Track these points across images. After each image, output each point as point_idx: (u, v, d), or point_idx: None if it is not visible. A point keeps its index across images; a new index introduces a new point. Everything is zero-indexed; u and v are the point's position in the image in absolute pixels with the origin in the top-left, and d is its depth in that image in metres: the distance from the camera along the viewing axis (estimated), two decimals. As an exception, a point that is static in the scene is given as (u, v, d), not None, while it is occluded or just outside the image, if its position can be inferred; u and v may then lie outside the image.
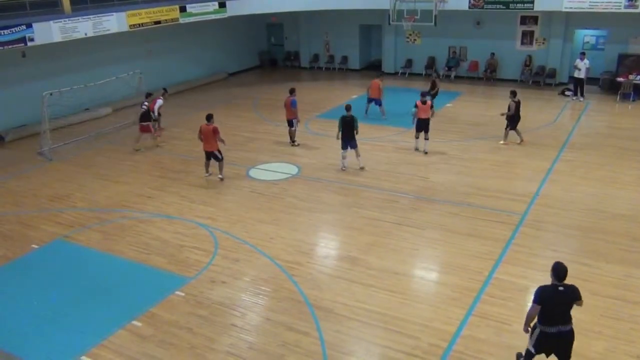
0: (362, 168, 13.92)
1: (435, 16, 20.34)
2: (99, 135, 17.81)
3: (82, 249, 10.56)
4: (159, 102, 16.82)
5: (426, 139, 14.93)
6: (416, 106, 14.84)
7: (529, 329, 6.42)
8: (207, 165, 13.50)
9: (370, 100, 18.34)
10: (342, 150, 13.85)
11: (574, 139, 15.80)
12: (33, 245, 10.73)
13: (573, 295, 6.15)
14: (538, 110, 18.95)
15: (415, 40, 25.05)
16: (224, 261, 9.83)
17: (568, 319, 6.20)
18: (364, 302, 8.48)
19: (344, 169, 13.97)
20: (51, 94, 15.84)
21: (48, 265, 10.08)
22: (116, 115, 20.00)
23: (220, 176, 13.42)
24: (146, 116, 15.89)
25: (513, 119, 15.20)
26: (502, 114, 15.27)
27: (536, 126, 17.00)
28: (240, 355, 7.40)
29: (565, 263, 6.13)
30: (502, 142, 15.37)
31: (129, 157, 15.64)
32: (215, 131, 12.93)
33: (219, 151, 13.26)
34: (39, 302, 8.87)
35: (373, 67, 26.78)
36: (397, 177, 13.43)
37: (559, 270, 6.09)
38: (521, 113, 15.35)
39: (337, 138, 13.93)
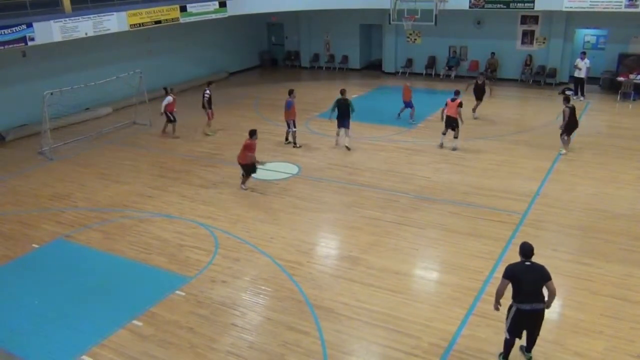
0: (347, 148, 15.31)
1: (436, 15, 20.33)
2: (99, 134, 17.81)
3: (83, 248, 10.57)
4: (168, 98, 16.79)
5: (455, 137, 14.96)
6: (446, 104, 15.01)
7: (499, 306, 6.84)
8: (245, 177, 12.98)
9: (405, 104, 17.99)
10: (338, 129, 15.50)
11: (575, 139, 15.78)
12: (34, 245, 10.74)
13: (542, 273, 6.55)
14: (538, 110, 18.94)
15: (415, 39, 25.04)
16: (224, 261, 9.83)
17: (541, 298, 6.54)
18: (364, 301, 8.48)
19: (336, 145, 15.61)
20: (52, 94, 15.84)
21: (49, 264, 10.09)
22: (116, 115, 20.00)
23: (243, 187, 12.97)
24: (209, 102, 16.96)
25: (568, 126, 14.30)
26: (560, 126, 14.52)
27: (537, 126, 17.00)
28: (241, 355, 7.41)
29: (566, 262, 6.20)
30: (563, 151, 14.53)
31: (129, 157, 15.65)
32: (247, 147, 12.57)
33: (248, 165, 12.70)
34: (39, 301, 8.88)
35: (373, 67, 26.79)
36: (397, 176, 13.43)
37: (525, 249, 6.67)
38: (576, 118, 14.47)
39: (329, 118, 15.57)
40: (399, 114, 18.27)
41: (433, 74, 24.64)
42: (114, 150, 16.33)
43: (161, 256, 10.09)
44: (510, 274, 6.60)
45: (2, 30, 15.27)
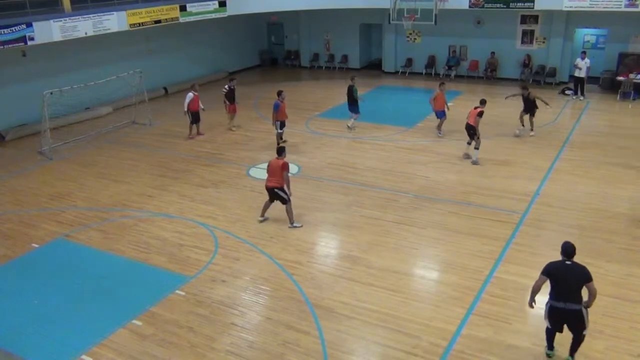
0: (349, 127, 16.94)
1: (436, 15, 20.34)
2: (99, 134, 17.80)
3: (83, 248, 10.56)
4: (190, 95, 16.67)
5: (476, 148, 14.06)
6: (470, 113, 14.20)
7: (534, 303, 6.84)
8: (266, 207, 11.23)
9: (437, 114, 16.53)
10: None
11: (575, 138, 15.80)
12: (34, 244, 10.74)
13: (582, 273, 6.51)
14: (538, 110, 18.89)
15: (415, 39, 25.04)
16: (224, 260, 9.83)
17: (577, 298, 6.51)
18: (364, 301, 8.48)
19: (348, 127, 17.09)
20: (51, 93, 15.83)
21: (49, 264, 10.09)
22: (117, 114, 19.99)
23: (292, 225, 10.97)
24: (230, 96, 17.05)
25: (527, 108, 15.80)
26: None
27: (536, 125, 16.97)
28: (241, 355, 7.41)
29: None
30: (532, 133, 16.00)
31: (129, 156, 15.64)
32: (284, 167, 10.72)
33: (284, 190, 10.84)
34: (39, 301, 8.88)
35: (373, 66, 26.78)
36: (397, 176, 13.43)
37: (566, 248, 6.67)
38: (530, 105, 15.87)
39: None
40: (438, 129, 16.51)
41: (433, 73, 24.63)
42: (114, 149, 16.32)
43: (161, 256, 10.08)
44: (549, 271, 6.63)
45: (2, 30, 15.25)
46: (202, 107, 16.90)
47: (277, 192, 10.82)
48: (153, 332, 7.94)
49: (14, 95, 17.76)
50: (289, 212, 10.93)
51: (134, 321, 8.18)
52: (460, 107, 19.43)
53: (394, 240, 10.38)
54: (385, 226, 10.92)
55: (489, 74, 23.34)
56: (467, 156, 14.48)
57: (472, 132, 14.10)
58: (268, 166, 10.95)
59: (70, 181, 13.91)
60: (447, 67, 24.19)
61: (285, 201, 10.86)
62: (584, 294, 6.60)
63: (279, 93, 15.58)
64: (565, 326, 6.82)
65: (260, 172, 13.79)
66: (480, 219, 11.05)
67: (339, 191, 12.72)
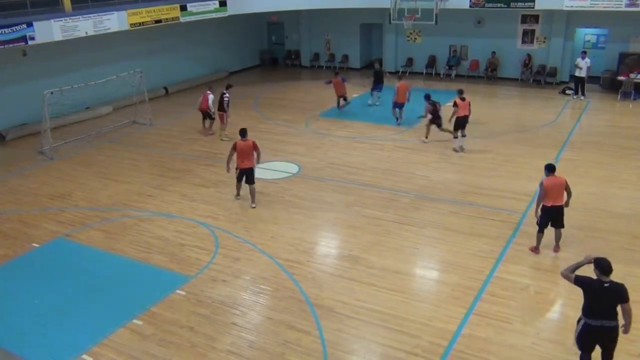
0: (370, 105, 19.41)
1: (436, 15, 20.33)
2: (99, 134, 17.81)
3: (83, 247, 10.57)
4: (211, 97, 16.77)
5: (463, 135, 14.90)
6: (455, 104, 14.64)
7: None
8: (239, 187, 12.17)
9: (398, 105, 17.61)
10: None
11: (575, 138, 15.80)
12: (34, 244, 10.74)
13: (619, 294, 6.14)
14: (538, 109, 18.93)
15: (416, 39, 25.03)
16: (224, 260, 9.83)
17: (612, 315, 6.20)
18: (364, 301, 8.48)
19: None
20: (52, 93, 15.83)
21: (49, 263, 10.09)
22: (117, 114, 19.99)
23: (253, 205, 11.94)
24: (228, 105, 16.58)
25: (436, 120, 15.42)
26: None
27: (537, 125, 17.00)
28: (241, 354, 7.41)
29: (566, 262, 6.16)
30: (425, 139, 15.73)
31: (129, 156, 15.65)
32: (255, 146, 11.66)
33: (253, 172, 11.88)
34: (40, 300, 8.87)
35: (374, 66, 26.72)
36: (397, 176, 13.43)
37: (603, 266, 6.16)
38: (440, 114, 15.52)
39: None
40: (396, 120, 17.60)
41: (433, 73, 24.63)
42: (115, 149, 16.33)
43: (162, 255, 10.09)
44: (582, 285, 6.28)
45: (3, 30, 15.26)
46: (212, 109, 16.93)
47: (251, 172, 11.75)
48: (153, 331, 7.94)
49: (15, 95, 17.76)
50: (254, 191, 11.90)
51: (135, 321, 8.19)
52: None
53: (395, 240, 10.38)
54: (385, 226, 10.92)
55: (490, 74, 23.33)
56: (459, 150, 14.85)
57: (466, 123, 14.81)
58: (233, 149, 11.71)
59: (71, 181, 13.92)
60: (447, 67, 24.19)
61: (253, 181, 11.83)
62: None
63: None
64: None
65: (261, 172, 13.81)
66: (481, 218, 11.05)
67: (339, 191, 12.72)
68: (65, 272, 9.74)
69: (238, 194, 12.29)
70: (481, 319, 7.92)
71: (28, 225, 11.54)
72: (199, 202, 12.35)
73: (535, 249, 9.65)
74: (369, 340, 7.62)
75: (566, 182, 9.36)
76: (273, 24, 28.33)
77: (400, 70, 23.89)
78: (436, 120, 15.40)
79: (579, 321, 6.46)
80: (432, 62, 24.75)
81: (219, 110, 16.51)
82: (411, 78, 23.90)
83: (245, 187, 12.07)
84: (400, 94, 17.21)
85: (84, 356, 7.48)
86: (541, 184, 9.29)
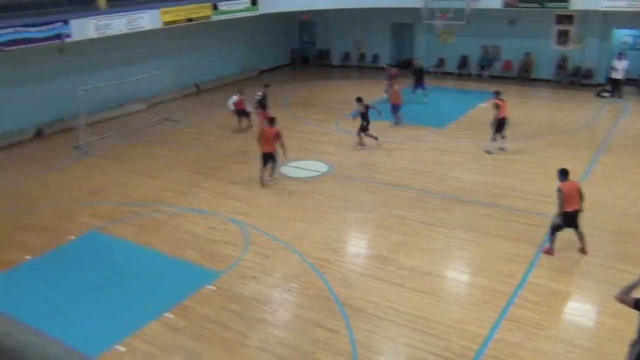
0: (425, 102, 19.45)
1: (468, 14, 20.12)
2: (133, 130, 18.11)
3: (117, 241, 10.78)
4: (234, 98, 17.08)
5: (503, 137, 14.81)
6: (497, 106, 14.31)
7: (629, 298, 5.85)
8: (263, 169, 13.11)
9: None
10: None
11: (612, 141, 15.46)
12: (70, 237, 10.99)
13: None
14: (574, 111, 18.59)
15: (447, 39, 24.80)
16: (255, 257, 9.92)
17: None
18: (394, 301, 8.46)
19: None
20: (87, 90, 16.16)
21: (84, 256, 10.32)
22: (149, 111, 20.30)
23: (270, 178, 13.16)
24: (263, 103, 16.81)
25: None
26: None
27: (572, 127, 16.69)
28: (271, 351, 7.47)
29: (600, 268, 6.13)
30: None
31: (162, 153, 15.88)
32: (278, 135, 12.83)
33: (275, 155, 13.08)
34: (75, 291, 9.08)
35: (404, 66, 26.60)
36: (428, 176, 13.35)
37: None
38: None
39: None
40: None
41: (465, 73, 24.38)
42: (147, 146, 16.60)
43: (193, 251, 10.23)
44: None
45: (40, 27, 15.66)
46: (249, 108, 17.16)
47: (272, 156, 12.89)
48: (185, 325, 8.06)
49: (52, 91, 18.17)
50: (274, 167, 13.15)
51: (167, 314, 8.32)
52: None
53: (424, 241, 10.33)
54: (415, 227, 10.87)
55: (523, 75, 22.99)
56: (503, 148, 14.65)
57: (506, 124, 14.59)
58: (261, 135, 12.88)
59: (105, 176, 14.20)
60: (479, 67, 23.92)
61: (274, 160, 13.02)
62: None
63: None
64: None
65: (292, 170, 13.90)
66: (513, 221, 10.91)
67: (368, 191, 12.71)
68: (100, 264, 9.95)
69: (263, 176, 13.14)
70: (513, 324, 7.82)
71: (64, 219, 11.82)
72: (231, 199, 12.48)
73: (550, 250, 9.51)
74: (399, 342, 7.60)
75: (580, 186, 9.46)
76: (304, 23, 28.40)
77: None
78: (366, 123, 15.15)
79: (633, 345, 5.99)
80: (464, 62, 24.50)
81: (258, 108, 16.88)
82: (443, 78, 23.76)
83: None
84: (395, 95, 17.21)
85: (117, 346, 7.63)
86: (560, 190, 9.23)
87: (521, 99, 20.51)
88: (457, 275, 9.38)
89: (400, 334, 7.74)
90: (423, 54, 25.28)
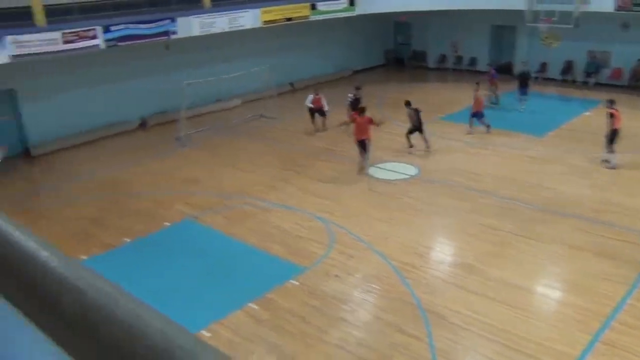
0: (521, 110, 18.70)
1: (576, 18, 19.06)
2: (229, 125, 18.78)
3: (208, 230, 11.24)
4: (310, 97, 17.46)
5: (612, 150, 13.66)
6: (612, 116, 13.48)
7: None
8: (362, 154, 13.86)
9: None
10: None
11: None
12: (165, 223, 11.60)
13: None
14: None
15: (551, 43, 23.57)
16: (339, 255, 9.97)
17: None
18: (478, 312, 8.20)
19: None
20: (189, 84, 16.96)
21: (177, 242, 10.86)
22: (245, 107, 20.96)
23: (364, 165, 13.89)
24: (356, 105, 16.85)
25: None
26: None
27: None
28: (350, 350, 7.48)
29: None
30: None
31: (256, 148, 16.36)
32: (370, 121, 13.73)
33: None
34: (166, 276, 9.57)
35: (503, 70, 25.65)
36: (521, 185, 12.80)
37: None
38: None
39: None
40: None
41: (569, 80, 23.11)
42: (242, 140, 17.16)
43: (279, 245, 10.45)
44: None
45: (149, 24, 16.65)
46: (327, 107, 17.28)
47: (366, 143, 13.63)
48: (268, 317, 8.26)
49: (156, 85, 19.24)
50: (368, 159, 13.83)
51: (251, 304, 8.56)
52: (600, 117, 18.11)
53: (514, 252, 9.92)
54: (504, 237, 10.47)
55: (635, 83, 21.43)
56: (607, 162, 13.70)
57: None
58: (355, 123, 13.87)
59: (201, 167, 14.84)
60: (585, 74, 22.59)
61: (367, 150, 13.74)
62: None
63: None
64: None
65: (380, 172, 13.84)
66: (613, 239, 10.21)
67: (457, 197, 12.39)
68: (191, 251, 10.43)
69: (363, 160, 13.89)
70: (608, 349, 7.32)
71: (161, 206, 12.49)
72: (318, 196, 12.63)
73: None
74: (481, 354, 7.36)
75: None
76: (400, 24, 28.15)
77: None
78: (419, 126, 15.09)
79: None
80: (568, 68, 23.24)
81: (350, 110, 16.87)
82: (544, 84, 22.66)
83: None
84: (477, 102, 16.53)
85: (203, 332, 7.93)
86: None
87: (631, 110, 19.12)
88: (548, 291, 8.93)
89: (483, 346, 7.49)
90: (524, 59, 24.26)
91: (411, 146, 15.21)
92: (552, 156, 14.67)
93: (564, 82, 23.09)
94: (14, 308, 0.57)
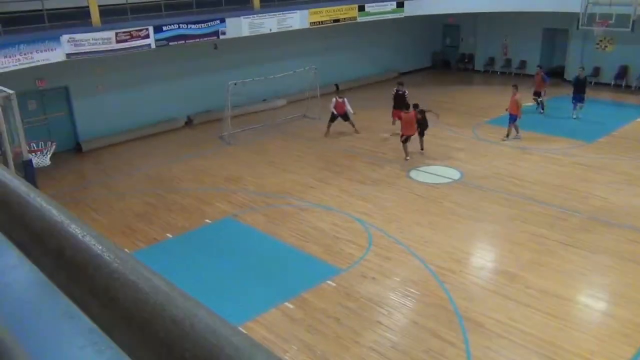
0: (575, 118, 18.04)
1: (634, 21, 18.34)
2: (273, 125, 18.95)
3: (248, 228, 11.37)
4: (334, 101, 17.41)
5: None
6: None
7: None
8: (406, 149, 14.78)
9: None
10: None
11: None
12: (206, 220, 11.81)
13: None
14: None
15: (606, 47, 22.80)
16: (376, 258, 9.91)
17: None
18: (518, 321, 7.99)
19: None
20: (235, 84, 17.20)
21: (217, 239, 11.05)
22: (290, 107, 21.10)
23: (408, 157, 14.75)
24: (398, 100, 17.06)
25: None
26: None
27: None
28: (384, 354, 7.42)
29: None
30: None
31: (297, 148, 16.46)
32: (415, 116, 14.77)
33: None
34: (205, 273, 9.73)
35: (554, 74, 24.93)
36: (569, 193, 12.40)
37: None
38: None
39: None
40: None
41: (624, 85, 22.26)
42: (285, 140, 17.29)
43: (317, 245, 10.47)
44: None
45: (200, 25, 16.99)
46: (352, 111, 17.19)
47: (410, 137, 14.76)
48: (302, 316, 8.28)
49: (203, 84, 19.58)
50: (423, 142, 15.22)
51: (287, 303, 8.60)
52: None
53: (558, 262, 9.62)
54: (549, 245, 10.16)
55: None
56: None
57: None
58: (402, 120, 15.07)
59: (243, 166, 15.04)
60: (641, 79, 21.72)
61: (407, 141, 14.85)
62: None
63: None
64: None
65: (421, 175, 13.70)
66: (666, 251, 9.78)
67: (501, 203, 12.11)
68: (231, 249, 10.58)
69: (407, 155, 14.77)
70: (654, 364, 7.02)
71: (203, 203, 12.72)
72: (357, 198, 12.59)
73: None
74: (519, 364, 7.17)
75: None
76: (449, 26, 27.76)
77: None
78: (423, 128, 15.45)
79: None
80: (623, 73, 22.36)
81: (398, 108, 16.83)
82: (597, 89, 21.89)
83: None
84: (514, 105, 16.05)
85: (239, 328, 8.01)
86: None
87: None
88: (593, 302, 8.62)
89: (522, 355, 7.29)
90: (577, 62, 23.51)
91: (422, 148, 15.42)
92: (602, 163, 14.16)
93: (617, 87, 22.25)
94: (73, 301, 0.59)
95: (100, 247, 0.58)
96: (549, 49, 25.49)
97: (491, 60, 26.51)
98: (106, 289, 0.52)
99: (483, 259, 10.06)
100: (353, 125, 17.39)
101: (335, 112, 17.22)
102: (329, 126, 17.43)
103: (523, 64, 25.42)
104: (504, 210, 11.75)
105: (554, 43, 25.50)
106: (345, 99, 17.31)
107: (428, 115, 15.48)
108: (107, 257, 0.56)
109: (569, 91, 19.01)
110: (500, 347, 7.46)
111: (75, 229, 0.62)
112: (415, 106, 15.35)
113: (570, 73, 23.54)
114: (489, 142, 16.10)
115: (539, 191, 12.56)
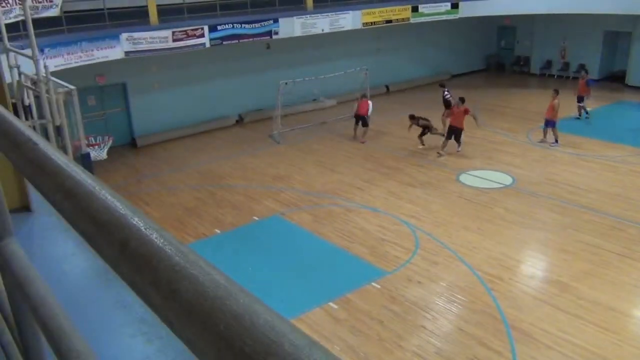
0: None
1: None
2: (322, 125, 19.01)
3: (294, 227, 11.46)
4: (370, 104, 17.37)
5: None
6: None
7: None
8: (445, 144, 15.19)
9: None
10: None
11: None
12: (254, 217, 11.97)
13: None
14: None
15: (672, 50, 21.78)
16: (422, 262, 9.80)
17: None
18: (568, 333, 7.74)
19: None
20: (286, 83, 17.35)
21: (265, 237, 11.18)
22: (340, 107, 21.08)
23: (442, 152, 15.18)
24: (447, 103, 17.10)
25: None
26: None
27: None
28: (427, 359, 7.33)
29: None
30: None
31: (345, 148, 16.46)
32: (466, 111, 14.93)
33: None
34: (253, 268, 9.87)
35: (615, 79, 24.03)
36: (628, 203, 11.92)
37: None
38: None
39: None
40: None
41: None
42: (333, 140, 17.32)
43: (362, 246, 10.45)
44: None
45: (254, 24, 17.24)
46: (370, 111, 17.02)
47: (459, 131, 15.01)
48: (346, 317, 8.28)
49: (255, 83, 19.85)
50: (461, 143, 15.23)
51: (331, 303, 8.62)
52: None
53: (614, 273, 9.26)
54: (604, 256, 9.79)
55: None
56: None
57: None
58: (451, 113, 15.45)
59: (292, 165, 15.16)
60: None
61: (458, 140, 15.15)
62: None
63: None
64: None
65: (471, 179, 13.46)
66: None
67: (555, 210, 11.76)
68: (277, 247, 10.70)
69: (443, 148, 15.20)
70: None
71: (252, 200, 12.89)
72: (405, 200, 12.49)
73: None
74: (568, 377, 6.95)
75: None
76: (504, 28, 27.14)
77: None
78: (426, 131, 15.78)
79: None
80: (690, 78, 21.33)
81: (446, 107, 16.82)
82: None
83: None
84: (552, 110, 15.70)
85: (283, 326, 8.10)
86: None
87: None
88: (650, 318, 8.26)
89: (571, 369, 7.07)
90: (638, 66, 22.56)
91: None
92: (664, 173, 13.55)
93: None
94: (138, 294, 0.62)
95: (162, 240, 0.60)
96: (610, 52, 24.55)
97: (548, 64, 25.75)
98: (168, 281, 0.54)
99: (533, 267, 9.79)
100: (364, 134, 17.03)
101: (357, 113, 17.06)
102: (355, 129, 17.28)
103: (582, 67, 24.55)
104: (557, 218, 11.41)
105: (616, 46, 24.54)
106: (369, 100, 17.12)
107: (468, 119, 15.23)
108: (169, 250, 0.58)
109: (630, 97, 18.28)
110: (548, 358, 7.25)
111: (138, 222, 0.65)
112: (462, 100, 15.37)
113: (633, 77, 22.66)
114: (544, 148, 15.66)
115: (595, 200, 12.13)
